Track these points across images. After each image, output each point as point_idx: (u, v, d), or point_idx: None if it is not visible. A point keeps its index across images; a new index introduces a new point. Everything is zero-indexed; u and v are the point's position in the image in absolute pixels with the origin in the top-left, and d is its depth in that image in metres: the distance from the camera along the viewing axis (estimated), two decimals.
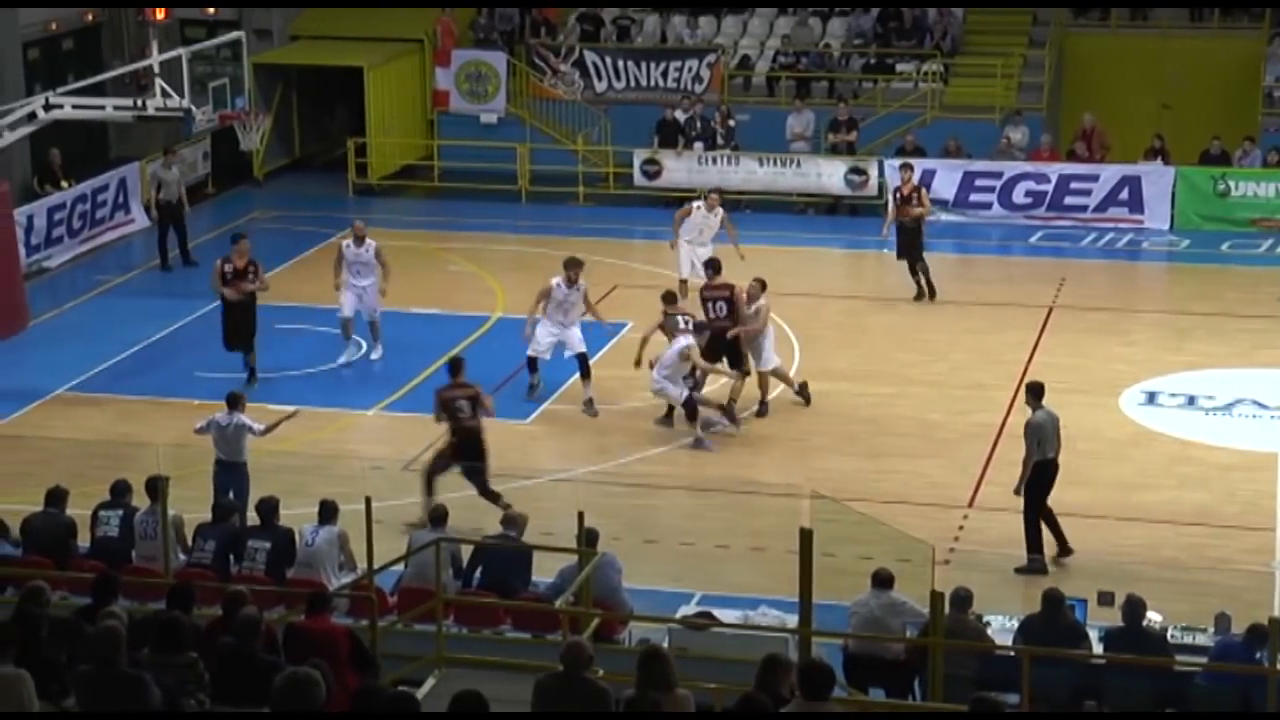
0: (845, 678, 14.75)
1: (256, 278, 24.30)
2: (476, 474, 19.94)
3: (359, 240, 25.14)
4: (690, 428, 22.52)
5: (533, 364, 23.86)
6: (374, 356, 25.46)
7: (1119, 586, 15.92)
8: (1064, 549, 19.08)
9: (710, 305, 23.20)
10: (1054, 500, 20.15)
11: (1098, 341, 26.20)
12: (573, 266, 23.81)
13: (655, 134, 34.54)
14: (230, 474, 19.44)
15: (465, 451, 20.14)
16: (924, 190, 28.77)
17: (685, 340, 22.42)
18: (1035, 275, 29.86)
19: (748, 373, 23.22)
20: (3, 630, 10.83)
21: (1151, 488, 21.20)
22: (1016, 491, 19.14)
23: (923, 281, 27.99)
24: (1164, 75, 35.93)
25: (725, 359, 23.22)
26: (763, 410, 23.46)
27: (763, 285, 23.58)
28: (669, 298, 23.50)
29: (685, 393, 22.51)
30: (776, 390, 23.69)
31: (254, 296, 24.32)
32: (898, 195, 28.18)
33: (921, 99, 34.93)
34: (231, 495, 18.93)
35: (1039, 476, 18.96)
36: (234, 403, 19.72)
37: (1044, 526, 19.05)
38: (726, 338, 23.09)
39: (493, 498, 19.65)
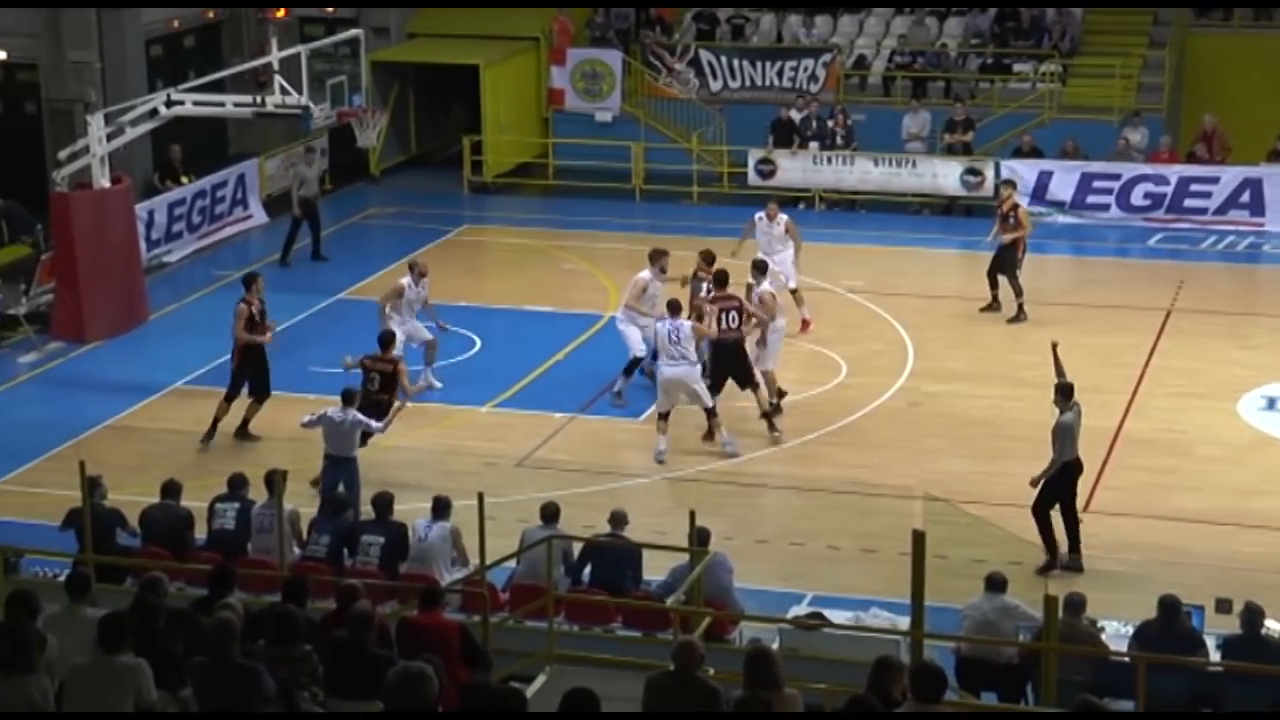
0: (957, 680, 14.66)
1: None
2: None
3: (420, 277, 24.20)
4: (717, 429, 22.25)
5: (632, 367, 23.80)
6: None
7: (1237, 594, 15.72)
8: (1073, 549, 18.81)
9: (724, 315, 22.31)
10: (1171, 506, 20.05)
11: (1217, 345, 25.88)
12: (660, 257, 23.77)
13: (770, 133, 34.47)
14: (340, 469, 19.59)
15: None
16: (1022, 209, 27.71)
17: (682, 324, 21.80)
18: (1153, 278, 29.52)
19: (756, 384, 22.68)
20: (122, 620, 10.96)
21: (1271, 494, 20.89)
22: (1034, 483, 18.81)
23: (1002, 296, 27.04)
24: None
25: (732, 376, 22.46)
26: (776, 405, 23.34)
27: (762, 269, 23.55)
28: (709, 260, 23.54)
29: (710, 396, 22.11)
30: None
31: None
32: (998, 212, 27.51)
33: (1039, 99, 34.64)
34: (341, 489, 19.09)
35: (1066, 476, 18.79)
36: (349, 399, 19.87)
37: (1055, 523, 18.86)
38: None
39: None
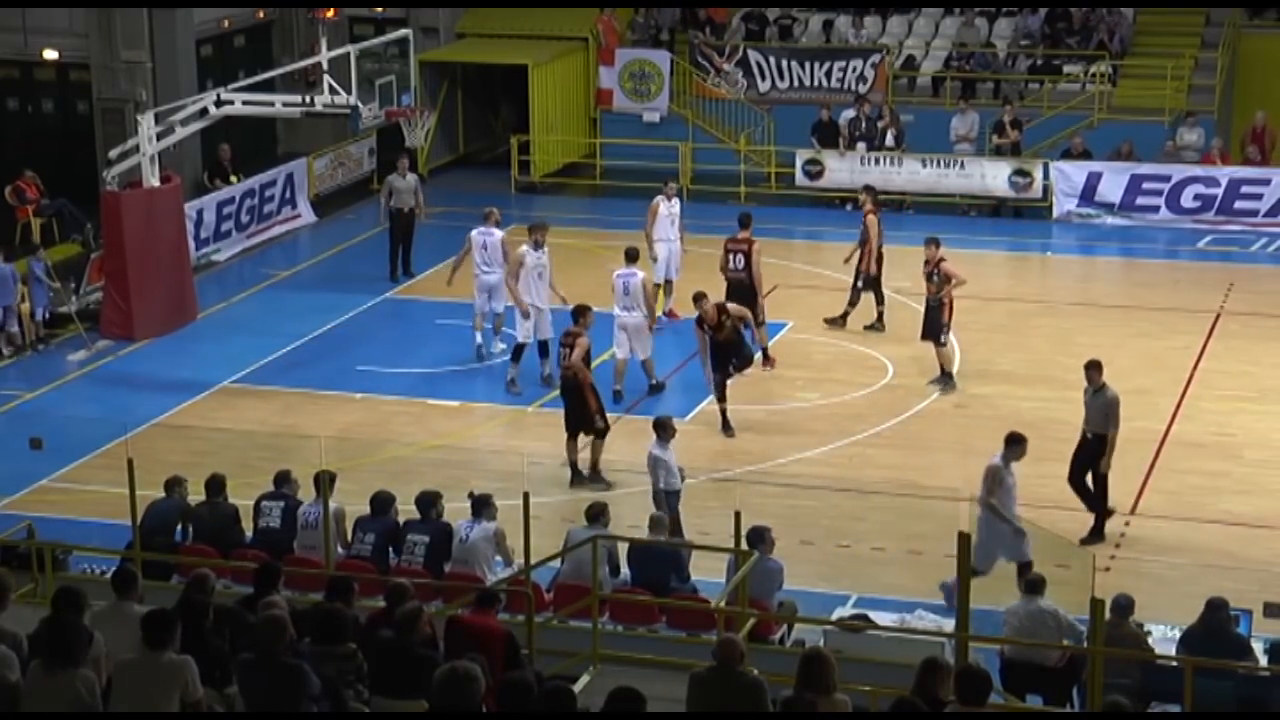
0: (1002, 683, 14.62)
1: None
2: None
3: (496, 223, 25.67)
4: None
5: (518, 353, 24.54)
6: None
7: None
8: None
9: None
10: (1220, 510, 20.02)
11: (1267, 349, 25.71)
12: (538, 230, 24.86)
13: (812, 135, 34.39)
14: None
15: None
16: (946, 266, 24.27)
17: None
18: (1202, 280, 29.35)
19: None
20: (167, 616, 11.01)
21: None
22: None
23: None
24: None
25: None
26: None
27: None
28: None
29: None
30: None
31: None
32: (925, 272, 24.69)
33: (1089, 100, 34.50)
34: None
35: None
36: (659, 430, 19.31)
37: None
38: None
39: None
